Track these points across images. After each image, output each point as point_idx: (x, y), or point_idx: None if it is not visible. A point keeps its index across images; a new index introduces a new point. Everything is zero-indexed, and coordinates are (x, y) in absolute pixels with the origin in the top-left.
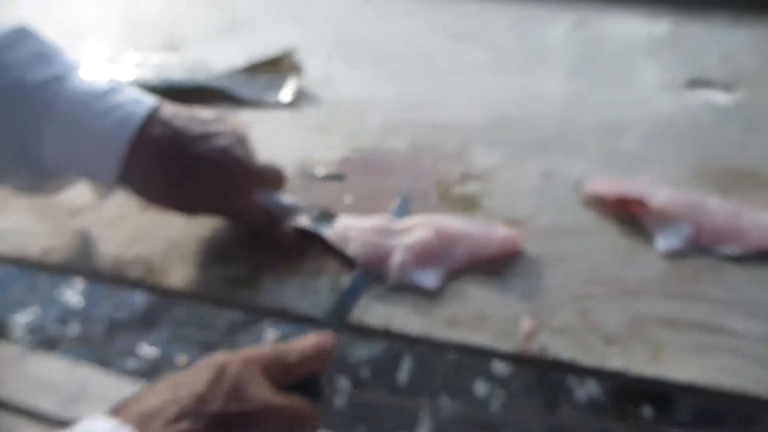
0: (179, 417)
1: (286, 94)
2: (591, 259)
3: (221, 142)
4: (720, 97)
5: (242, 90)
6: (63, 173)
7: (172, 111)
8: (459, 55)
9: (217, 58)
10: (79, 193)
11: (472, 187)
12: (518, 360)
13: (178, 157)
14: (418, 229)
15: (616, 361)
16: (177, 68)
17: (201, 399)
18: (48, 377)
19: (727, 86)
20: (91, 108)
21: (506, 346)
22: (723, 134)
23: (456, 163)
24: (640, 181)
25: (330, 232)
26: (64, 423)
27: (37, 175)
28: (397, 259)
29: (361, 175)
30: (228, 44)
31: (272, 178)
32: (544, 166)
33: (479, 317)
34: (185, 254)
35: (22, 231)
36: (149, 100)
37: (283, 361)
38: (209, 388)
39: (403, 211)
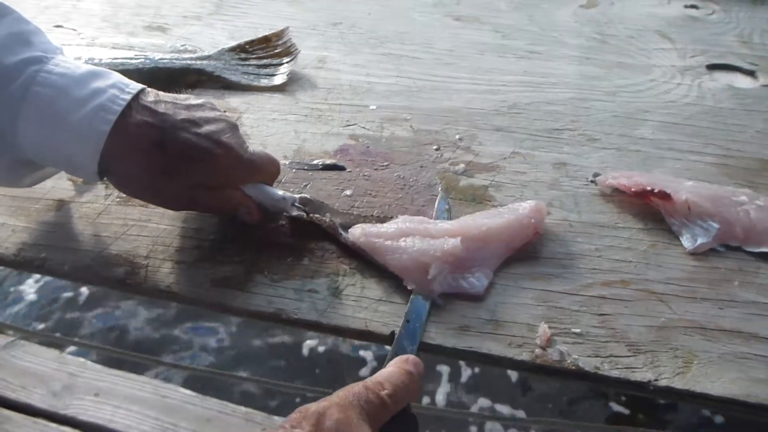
0: None
1: (279, 77)
2: (612, 258)
3: (209, 128)
4: (742, 82)
5: (232, 73)
6: (42, 163)
7: (155, 96)
8: (463, 37)
9: (206, 39)
10: (58, 185)
11: (479, 179)
12: (535, 370)
13: (162, 146)
14: (447, 238)
15: (643, 372)
16: (162, 50)
17: None
18: (36, 369)
19: (749, 70)
20: (69, 94)
21: (522, 355)
22: (747, 121)
23: (461, 152)
24: (662, 172)
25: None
26: (53, 416)
27: (15, 164)
28: (433, 272)
29: (361, 165)
30: (217, 25)
31: (265, 168)
32: (557, 156)
33: (493, 323)
34: (172, 252)
35: None
36: (132, 85)
37: (379, 399)
38: None
39: (443, 210)
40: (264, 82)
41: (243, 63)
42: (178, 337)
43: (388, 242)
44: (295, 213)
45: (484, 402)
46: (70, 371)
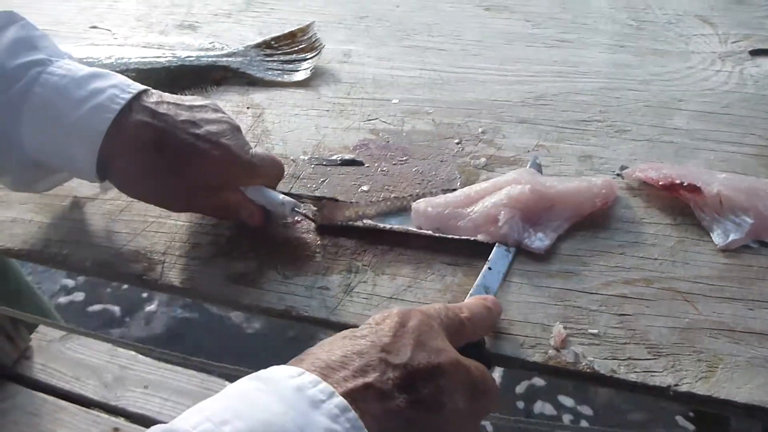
0: (364, 369)
1: (301, 73)
2: (635, 254)
3: (209, 129)
4: None
5: (257, 69)
6: (48, 166)
7: (158, 97)
8: (492, 26)
9: (234, 36)
10: (84, 183)
11: (500, 173)
12: (547, 371)
13: (160, 146)
14: (514, 185)
15: (662, 376)
16: (190, 48)
17: (386, 350)
18: (89, 361)
19: None
20: (69, 94)
21: (535, 356)
22: None
23: (483, 145)
24: (696, 164)
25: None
26: (104, 407)
27: (24, 168)
28: (503, 218)
29: (380, 160)
30: (246, 22)
31: (267, 171)
32: (584, 149)
33: (506, 322)
34: (188, 248)
35: (23, 223)
36: (134, 86)
37: (458, 318)
38: (393, 340)
39: (534, 163)
40: (287, 77)
41: (268, 59)
42: None
43: (459, 209)
44: (293, 219)
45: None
46: (121, 364)
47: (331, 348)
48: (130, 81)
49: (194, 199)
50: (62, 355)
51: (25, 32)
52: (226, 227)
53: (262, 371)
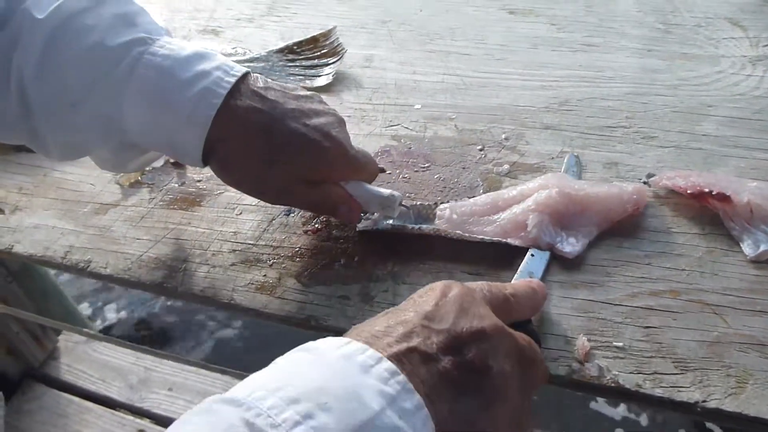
0: (408, 334)
1: (323, 78)
2: (662, 265)
3: (319, 121)
4: None
5: (278, 75)
6: (147, 147)
7: (264, 82)
8: (516, 30)
9: (257, 41)
10: (106, 188)
11: (523, 180)
12: (571, 386)
13: (270, 132)
14: (542, 190)
15: (690, 392)
16: None
17: (428, 318)
18: (114, 363)
19: None
20: (174, 76)
21: (558, 369)
22: None
23: (507, 152)
24: (725, 172)
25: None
26: (129, 408)
27: (121, 148)
28: (532, 222)
29: (402, 167)
30: (269, 26)
31: (367, 167)
32: (609, 155)
33: None
34: (209, 256)
35: (46, 229)
36: (236, 68)
37: (502, 293)
38: (435, 309)
39: (572, 168)
40: (309, 83)
41: (290, 64)
42: None
43: (485, 217)
44: (397, 213)
45: None
46: (146, 365)
47: (374, 322)
48: (232, 62)
49: (294, 190)
50: (88, 356)
51: (124, 7)
52: (246, 236)
53: (308, 343)
